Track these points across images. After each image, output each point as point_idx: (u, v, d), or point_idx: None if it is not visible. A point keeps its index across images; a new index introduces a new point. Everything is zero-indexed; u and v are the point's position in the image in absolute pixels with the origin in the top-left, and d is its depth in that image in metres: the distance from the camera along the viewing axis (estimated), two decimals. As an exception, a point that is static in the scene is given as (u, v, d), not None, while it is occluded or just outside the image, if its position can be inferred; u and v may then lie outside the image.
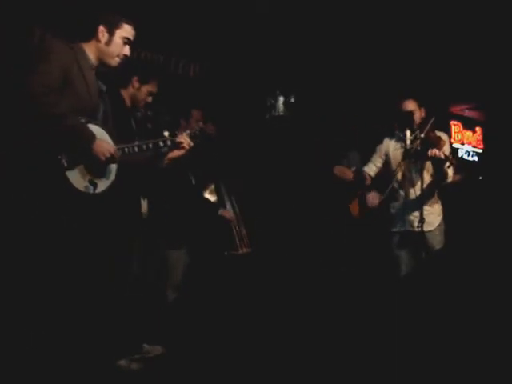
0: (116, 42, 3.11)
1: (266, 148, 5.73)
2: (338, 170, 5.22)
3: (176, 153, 3.48)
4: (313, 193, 5.60)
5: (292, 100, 6.15)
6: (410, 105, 4.40)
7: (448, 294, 4.10)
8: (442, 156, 4.09)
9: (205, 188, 4.70)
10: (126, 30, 3.16)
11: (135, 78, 3.80)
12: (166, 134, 3.34)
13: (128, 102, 3.83)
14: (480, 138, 8.19)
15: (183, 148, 3.44)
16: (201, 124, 4.59)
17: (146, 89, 3.82)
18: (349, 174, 5.11)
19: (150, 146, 3.30)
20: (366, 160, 4.67)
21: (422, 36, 5.86)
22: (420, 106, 4.42)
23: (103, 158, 3.01)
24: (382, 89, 5.86)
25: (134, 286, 3.76)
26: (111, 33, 3.10)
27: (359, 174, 4.72)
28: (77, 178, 2.98)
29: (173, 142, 3.40)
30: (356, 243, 4.83)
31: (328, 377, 3.56)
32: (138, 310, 3.78)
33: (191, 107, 4.58)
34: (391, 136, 4.58)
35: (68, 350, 3.63)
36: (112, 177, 3.14)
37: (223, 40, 5.51)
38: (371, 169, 4.56)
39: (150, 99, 3.87)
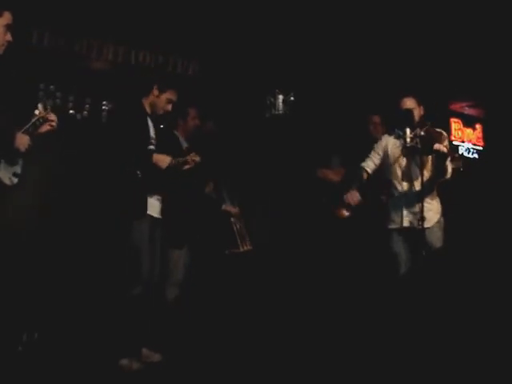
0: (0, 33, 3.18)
1: (265, 146, 5.73)
2: (322, 173, 5.25)
3: (46, 127, 3.44)
4: (313, 191, 5.59)
5: (291, 98, 6.14)
6: (409, 102, 4.40)
7: (448, 292, 4.09)
8: (445, 150, 4.10)
9: (205, 186, 4.70)
10: (6, 18, 3.21)
11: (155, 87, 3.98)
12: (37, 112, 3.40)
13: (148, 110, 4.01)
14: (480, 135, 8.17)
15: (52, 125, 3.44)
16: (197, 121, 4.64)
17: (165, 97, 4.01)
18: (333, 176, 5.15)
19: (30, 128, 3.35)
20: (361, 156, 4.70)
21: (422, 33, 5.85)
22: (419, 103, 4.42)
23: (24, 150, 3.23)
24: (381, 86, 5.85)
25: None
26: None
27: (352, 171, 4.71)
28: (3, 172, 3.21)
29: (44, 118, 3.40)
30: (355, 242, 4.82)
31: (328, 377, 3.56)
32: (138, 310, 3.79)
33: (187, 105, 4.61)
34: (390, 133, 4.58)
35: (69, 350, 3.65)
36: (21, 162, 3.33)
37: (222, 39, 5.51)
38: (369, 165, 4.54)
39: (169, 107, 4.05)
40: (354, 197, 4.41)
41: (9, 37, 3.23)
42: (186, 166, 3.99)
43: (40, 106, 3.39)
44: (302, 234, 5.43)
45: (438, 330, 3.83)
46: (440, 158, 4.19)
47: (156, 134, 4.04)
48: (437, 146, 4.10)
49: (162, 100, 4.01)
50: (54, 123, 3.40)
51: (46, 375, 3.42)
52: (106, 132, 4.15)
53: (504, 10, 5.57)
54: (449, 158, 4.18)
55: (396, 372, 3.48)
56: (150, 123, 4.01)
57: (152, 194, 3.91)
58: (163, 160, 3.89)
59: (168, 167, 3.89)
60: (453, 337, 3.81)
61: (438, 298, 3.99)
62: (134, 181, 3.79)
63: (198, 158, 4.00)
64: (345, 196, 4.44)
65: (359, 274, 4.73)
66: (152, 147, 3.96)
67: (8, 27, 3.21)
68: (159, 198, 3.97)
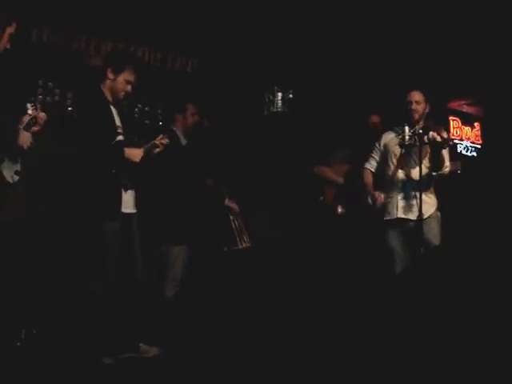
0: (4, 41, 3.32)
1: (264, 144, 5.74)
2: (319, 170, 5.24)
3: (36, 128, 3.40)
4: (312, 189, 5.59)
5: (290, 96, 6.14)
6: (417, 96, 4.39)
7: (446, 291, 4.10)
8: (439, 138, 4.09)
9: (203, 184, 4.70)
10: (13, 27, 3.32)
11: (109, 70, 3.74)
12: (30, 112, 3.36)
13: (109, 97, 3.77)
14: (479, 133, 8.18)
15: (39, 124, 3.39)
16: (196, 117, 4.62)
17: (121, 78, 3.75)
18: (333, 175, 5.15)
19: (26, 127, 3.33)
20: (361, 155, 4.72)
21: (420, 31, 5.86)
22: (426, 100, 4.40)
23: (26, 147, 3.26)
24: (380, 84, 5.86)
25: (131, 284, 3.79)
26: (2, 29, 3.29)
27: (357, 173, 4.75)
28: (6, 170, 3.25)
29: (35, 118, 3.37)
30: (352, 239, 4.82)
31: (327, 377, 3.56)
32: (136, 307, 3.79)
33: (186, 101, 4.60)
34: (389, 130, 4.59)
35: (67, 346, 3.65)
36: (20, 160, 3.35)
37: (221, 35, 5.51)
38: (373, 165, 4.60)
39: (129, 88, 3.78)
40: (379, 198, 4.42)
41: (8, 45, 3.34)
42: (156, 150, 3.78)
43: (29, 105, 3.36)
44: (301, 232, 5.44)
45: (437, 329, 3.83)
46: (435, 147, 4.18)
47: (122, 121, 3.80)
48: (431, 134, 4.10)
49: (120, 82, 3.73)
50: (42, 122, 3.36)
51: (45, 371, 3.42)
52: (70, 127, 3.82)
53: (503, 8, 5.58)
54: (445, 147, 4.20)
55: (394, 371, 3.49)
56: (114, 111, 3.78)
57: (126, 189, 3.73)
58: (135, 154, 3.69)
59: (141, 160, 3.69)
60: (452, 336, 3.82)
61: (436, 297, 3.99)
62: (110, 180, 3.62)
63: (166, 140, 3.78)
64: (371, 198, 4.43)
65: (357, 272, 4.74)
66: (120, 137, 3.75)
67: (11, 36, 3.32)
68: (132, 191, 3.78)
